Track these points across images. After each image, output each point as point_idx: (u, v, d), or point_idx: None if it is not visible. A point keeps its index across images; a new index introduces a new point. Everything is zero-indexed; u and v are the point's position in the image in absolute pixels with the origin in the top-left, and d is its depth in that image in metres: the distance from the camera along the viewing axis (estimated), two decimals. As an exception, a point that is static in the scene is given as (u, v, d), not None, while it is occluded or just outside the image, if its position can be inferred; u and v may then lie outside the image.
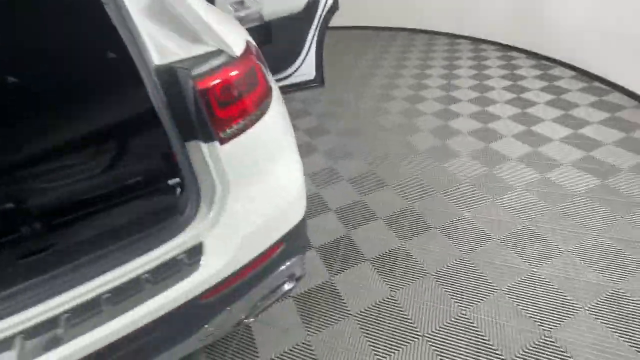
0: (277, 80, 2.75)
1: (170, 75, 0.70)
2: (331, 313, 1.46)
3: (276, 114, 0.97)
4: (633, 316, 1.30)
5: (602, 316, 1.31)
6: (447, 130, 2.59)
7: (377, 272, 1.61)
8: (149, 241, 0.80)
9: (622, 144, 2.18)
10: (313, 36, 2.56)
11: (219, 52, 0.77)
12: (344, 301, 1.50)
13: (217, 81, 0.73)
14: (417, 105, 3.02)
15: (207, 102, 0.72)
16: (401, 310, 1.43)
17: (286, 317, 1.46)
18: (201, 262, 0.82)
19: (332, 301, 1.51)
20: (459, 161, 2.24)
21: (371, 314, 1.43)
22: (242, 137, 0.81)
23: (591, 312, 1.33)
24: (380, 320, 1.41)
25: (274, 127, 0.94)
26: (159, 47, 0.72)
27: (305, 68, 2.72)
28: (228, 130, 0.77)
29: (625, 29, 2.60)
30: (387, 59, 4.25)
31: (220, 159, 0.78)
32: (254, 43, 0.95)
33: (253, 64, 0.83)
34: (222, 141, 0.77)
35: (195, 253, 0.82)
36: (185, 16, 0.74)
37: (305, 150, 2.60)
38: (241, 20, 2.48)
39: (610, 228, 1.65)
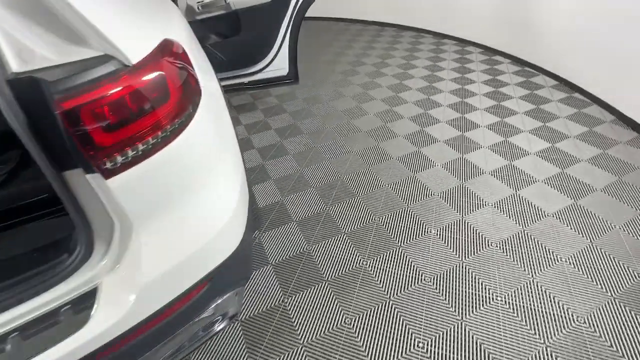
0: (247, 75, 2.57)
1: (31, 87, 0.53)
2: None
3: (203, 128, 0.82)
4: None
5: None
6: (424, 136, 2.49)
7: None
8: (23, 288, 0.65)
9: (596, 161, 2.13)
10: (287, 28, 2.38)
11: (105, 59, 0.60)
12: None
13: (95, 98, 0.57)
14: (396, 107, 2.89)
15: (79, 125, 0.56)
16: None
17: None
18: (93, 314, 0.67)
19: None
20: (432, 171, 2.14)
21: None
22: (145, 164, 0.66)
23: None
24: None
25: (197, 145, 0.79)
26: (19, 49, 0.55)
27: (278, 62, 2.55)
28: (119, 159, 0.62)
29: (602, 42, 2.53)
30: (370, 55, 4.09)
31: (111, 192, 0.63)
32: (176, 42, 0.78)
33: (161, 72, 0.66)
34: (109, 173, 0.61)
35: (85, 303, 0.68)
36: (57, 8, 0.56)
37: (275, 151, 2.45)
38: (206, 7, 2.27)
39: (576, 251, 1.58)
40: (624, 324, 1.31)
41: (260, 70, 2.58)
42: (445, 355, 1.25)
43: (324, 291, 1.50)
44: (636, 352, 1.23)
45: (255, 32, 2.34)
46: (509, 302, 1.41)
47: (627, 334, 1.28)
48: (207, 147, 0.84)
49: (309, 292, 1.50)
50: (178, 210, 0.75)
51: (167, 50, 0.73)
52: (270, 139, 2.59)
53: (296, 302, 1.46)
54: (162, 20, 0.86)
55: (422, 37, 4.57)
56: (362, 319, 1.38)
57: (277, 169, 2.26)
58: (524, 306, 1.39)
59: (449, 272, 1.54)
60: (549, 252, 1.60)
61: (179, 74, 0.73)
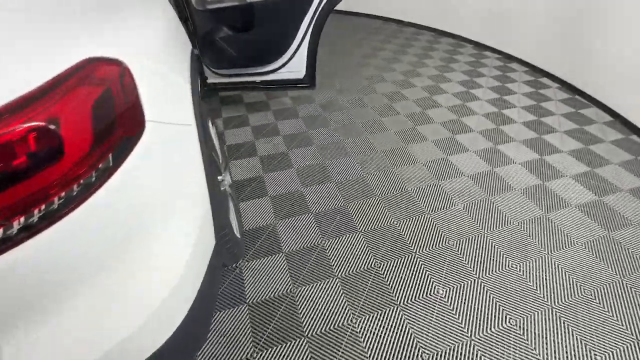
0: (260, 74, 2.34)
1: None
2: None
3: (136, 183, 0.59)
4: None
5: None
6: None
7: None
8: None
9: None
10: (308, 27, 2.12)
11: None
12: None
13: None
14: (420, 126, 2.59)
15: None
16: None
17: None
18: None
19: None
20: (459, 182, 1.86)
21: None
22: (16, 253, 0.44)
23: None
24: None
25: (117, 210, 0.57)
26: None
27: (294, 64, 2.30)
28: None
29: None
30: (402, 61, 3.76)
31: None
32: (107, 65, 0.55)
33: (53, 118, 0.44)
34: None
35: None
36: None
37: (277, 163, 2.22)
38: (218, -2, 2.04)
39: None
40: None
41: (274, 71, 2.34)
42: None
43: (333, 287, 1.47)
44: None
45: (271, 28, 2.10)
46: (523, 329, 1.32)
47: None
48: (139, 207, 0.62)
49: (319, 286, 1.47)
50: (90, 291, 0.53)
51: (80, 79, 0.50)
52: (276, 147, 2.36)
53: (305, 293, 1.45)
54: (113, 21, 0.63)
55: (461, 47, 4.18)
56: (368, 321, 1.35)
57: (277, 183, 2.04)
58: (539, 334, 1.28)
59: (464, 288, 1.46)
60: (572, 282, 1.31)
61: (93, 114, 0.51)
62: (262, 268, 1.55)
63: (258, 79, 2.39)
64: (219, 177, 1.41)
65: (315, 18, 2.07)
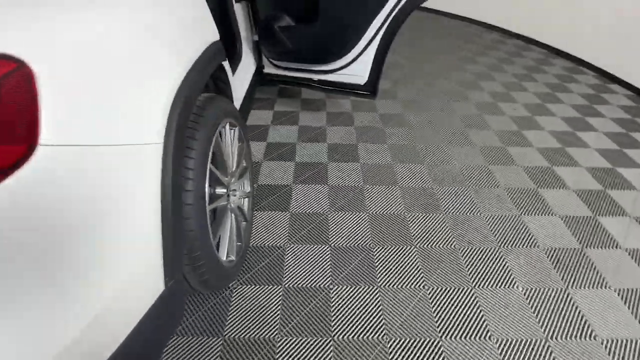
0: (317, 72, 2.09)
1: None
2: None
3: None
4: None
5: None
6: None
7: None
8: None
9: None
10: (379, 29, 1.79)
11: None
12: None
13: None
14: (497, 166, 2.09)
15: None
16: None
17: None
18: None
19: None
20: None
21: None
22: None
23: None
24: None
25: None
26: None
27: (356, 67, 2.00)
28: None
29: None
30: (495, 79, 3.17)
31: None
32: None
33: None
34: None
35: None
36: None
37: (312, 174, 1.97)
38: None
39: None
40: None
41: (334, 71, 2.06)
42: None
43: (372, 296, 1.35)
44: None
45: (336, 23, 1.81)
46: None
47: None
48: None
49: (358, 290, 1.37)
50: None
51: None
52: (317, 155, 2.10)
53: (342, 293, 1.36)
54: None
55: (579, 73, 3.38)
56: (402, 345, 1.21)
57: (302, 200, 1.79)
58: None
59: (522, 344, 1.21)
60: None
61: None
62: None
63: (315, 77, 2.14)
64: (219, 190, 1.21)
65: (390, 18, 1.72)
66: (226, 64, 1.33)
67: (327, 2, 1.72)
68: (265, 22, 1.98)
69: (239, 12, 2.02)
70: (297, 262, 1.48)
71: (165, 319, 0.86)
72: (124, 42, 0.64)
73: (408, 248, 1.55)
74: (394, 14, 1.69)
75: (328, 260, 1.49)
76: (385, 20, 1.73)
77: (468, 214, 1.75)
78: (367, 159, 2.10)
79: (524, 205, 1.82)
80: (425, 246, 1.56)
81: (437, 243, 1.58)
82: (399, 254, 1.52)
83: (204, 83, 0.98)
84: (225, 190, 1.24)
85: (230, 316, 1.28)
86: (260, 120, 2.43)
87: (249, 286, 1.37)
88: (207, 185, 1.01)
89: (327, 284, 1.38)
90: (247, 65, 2.14)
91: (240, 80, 1.97)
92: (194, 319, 1.27)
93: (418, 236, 1.61)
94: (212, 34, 1.12)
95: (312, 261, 1.48)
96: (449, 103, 2.76)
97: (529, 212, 1.77)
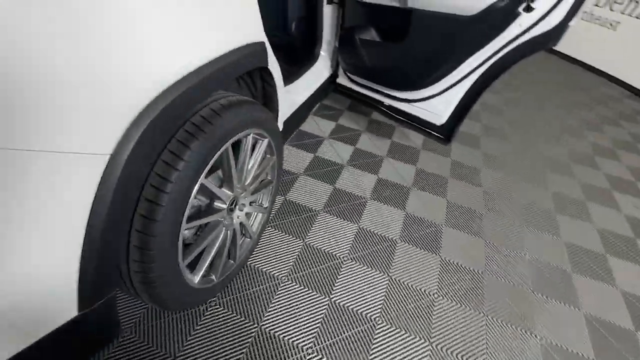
0: (390, 97, 1.83)
1: None
2: None
3: None
4: None
5: None
6: None
7: None
8: None
9: None
10: (479, 66, 1.46)
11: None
12: None
13: None
14: (579, 277, 1.58)
15: None
16: None
17: None
18: None
19: None
20: None
21: None
22: None
23: None
24: None
25: None
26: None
27: (436, 104, 1.70)
28: None
29: None
30: (620, 159, 2.49)
31: None
32: None
33: None
34: None
35: None
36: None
37: (344, 208, 1.72)
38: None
39: None
40: None
41: (408, 101, 1.77)
42: None
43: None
44: None
45: (424, 49, 1.51)
46: None
47: None
48: None
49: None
50: None
51: None
52: (360, 188, 1.84)
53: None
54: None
55: None
56: None
57: (325, 234, 1.57)
58: None
59: None
60: None
61: None
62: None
63: (386, 101, 1.88)
64: (218, 204, 1.06)
65: (492, 59, 1.36)
66: (274, 68, 1.17)
67: (419, 22, 1.44)
68: (348, 31, 1.78)
69: (328, 14, 1.86)
70: (288, 304, 1.26)
71: (77, 343, 0.74)
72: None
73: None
74: (498, 56, 1.33)
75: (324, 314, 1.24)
76: (485, 62, 1.38)
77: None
78: (414, 210, 1.77)
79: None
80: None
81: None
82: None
83: (211, 90, 0.82)
84: (224, 205, 1.09)
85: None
86: (318, 130, 2.26)
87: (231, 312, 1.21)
88: (189, 201, 0.86)
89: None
90: (320, 70, 1.98)
91: (304, 84, 1.81)
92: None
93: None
94: (242, 35, 0.95)
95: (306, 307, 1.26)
96: (545, 174, 2.23)
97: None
